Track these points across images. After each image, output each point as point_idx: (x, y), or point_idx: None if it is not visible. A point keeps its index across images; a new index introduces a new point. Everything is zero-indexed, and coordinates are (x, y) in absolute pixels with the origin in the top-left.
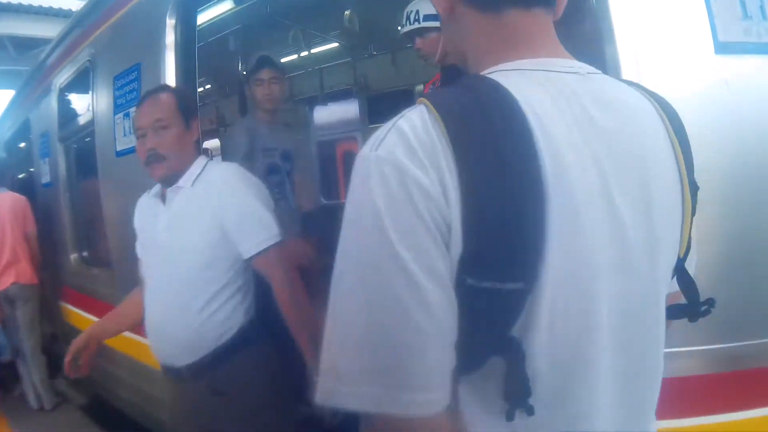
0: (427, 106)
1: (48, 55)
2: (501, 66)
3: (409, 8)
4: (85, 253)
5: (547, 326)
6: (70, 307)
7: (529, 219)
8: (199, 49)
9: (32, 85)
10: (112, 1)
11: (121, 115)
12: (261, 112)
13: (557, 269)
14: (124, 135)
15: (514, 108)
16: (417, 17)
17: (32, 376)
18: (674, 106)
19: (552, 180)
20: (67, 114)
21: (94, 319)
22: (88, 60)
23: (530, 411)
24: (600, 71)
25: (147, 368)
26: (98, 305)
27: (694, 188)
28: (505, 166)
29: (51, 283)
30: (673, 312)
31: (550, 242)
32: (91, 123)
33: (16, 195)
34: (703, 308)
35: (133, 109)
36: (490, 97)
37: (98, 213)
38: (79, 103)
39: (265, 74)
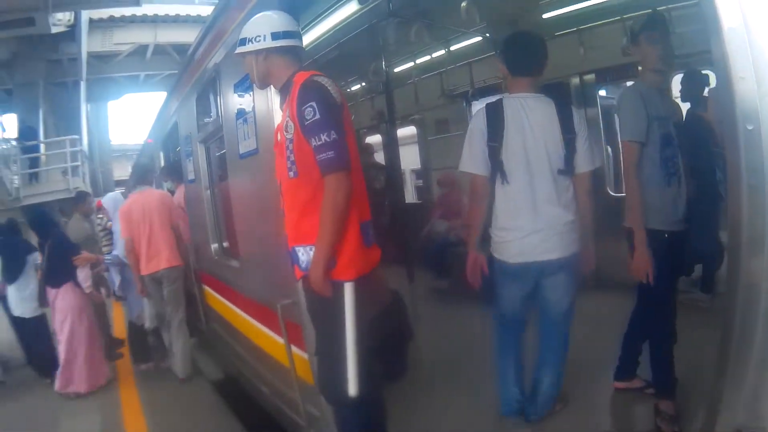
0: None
1: (187, 64)
2: (507, 95)
3: None
4: (225, 244)
5: (506, 154)
6: (209, 290)
7: (499, 129)
8: (345, 48)
9: (177, 91)
10: (229, 12)
11: (241, 120)
12: (652, 75)
13: (508, 141)
14: (245, 139)
15: (501, 105)
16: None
17: (174, 345)
18: None
19: (506, 124)
20: (203, 118)
21: (228, 303)
22: (215, 69)
23: (508, 181)
24: (544, 96)
25: (273, 360)
26: (231, 292)
27: (566, 131)
28: (492, 118)
29: (195, 267)
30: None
31: (505, 136)
32: (220, 128)
33: (162, 192)
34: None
35: (249, 115)
36: (497, 101)
37: (230, 210)
38: (212, 108)
39: (659, 32)
